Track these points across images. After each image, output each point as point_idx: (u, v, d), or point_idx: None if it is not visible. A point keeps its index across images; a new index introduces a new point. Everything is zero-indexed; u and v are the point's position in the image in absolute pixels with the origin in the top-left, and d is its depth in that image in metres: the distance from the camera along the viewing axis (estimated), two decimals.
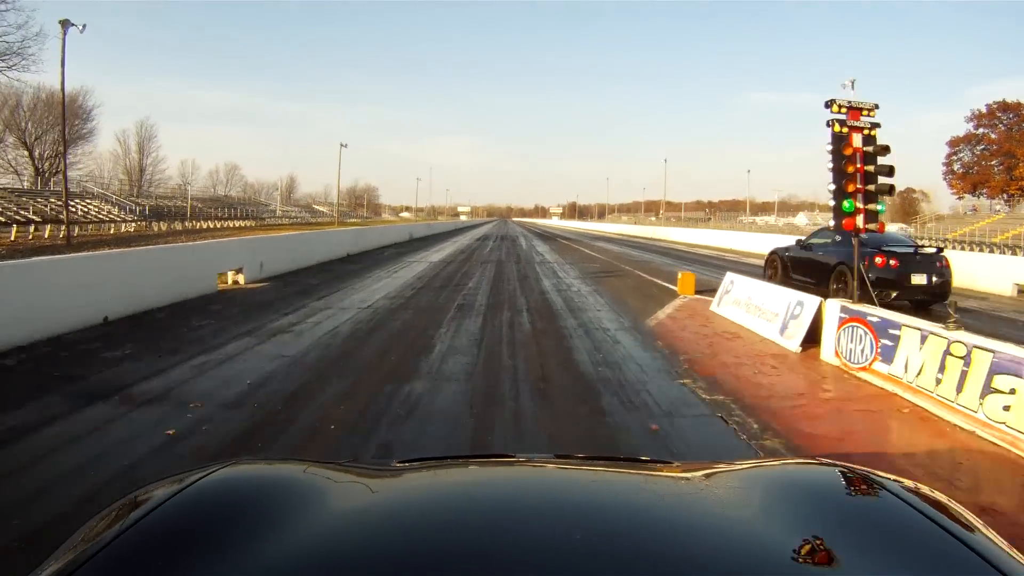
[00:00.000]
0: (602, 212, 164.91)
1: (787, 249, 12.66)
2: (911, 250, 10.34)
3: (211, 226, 55.41)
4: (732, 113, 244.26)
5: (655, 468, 1.31)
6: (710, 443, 4.19)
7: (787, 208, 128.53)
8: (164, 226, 48.78)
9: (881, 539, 0.87)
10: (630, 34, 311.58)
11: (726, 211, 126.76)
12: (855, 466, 1.18)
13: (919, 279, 9.77)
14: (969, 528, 0.92)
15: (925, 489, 1.05)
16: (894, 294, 9.63)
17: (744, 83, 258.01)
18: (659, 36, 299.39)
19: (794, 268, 12.01)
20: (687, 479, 1.17)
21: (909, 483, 1.08)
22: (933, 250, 10.74)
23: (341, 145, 67.83)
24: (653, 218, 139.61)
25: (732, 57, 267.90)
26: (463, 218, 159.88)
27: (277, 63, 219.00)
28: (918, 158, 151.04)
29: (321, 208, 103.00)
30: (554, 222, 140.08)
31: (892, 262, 9.79)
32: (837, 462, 1.23)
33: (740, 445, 4.09)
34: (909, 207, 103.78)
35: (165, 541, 0.84)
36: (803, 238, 12.77)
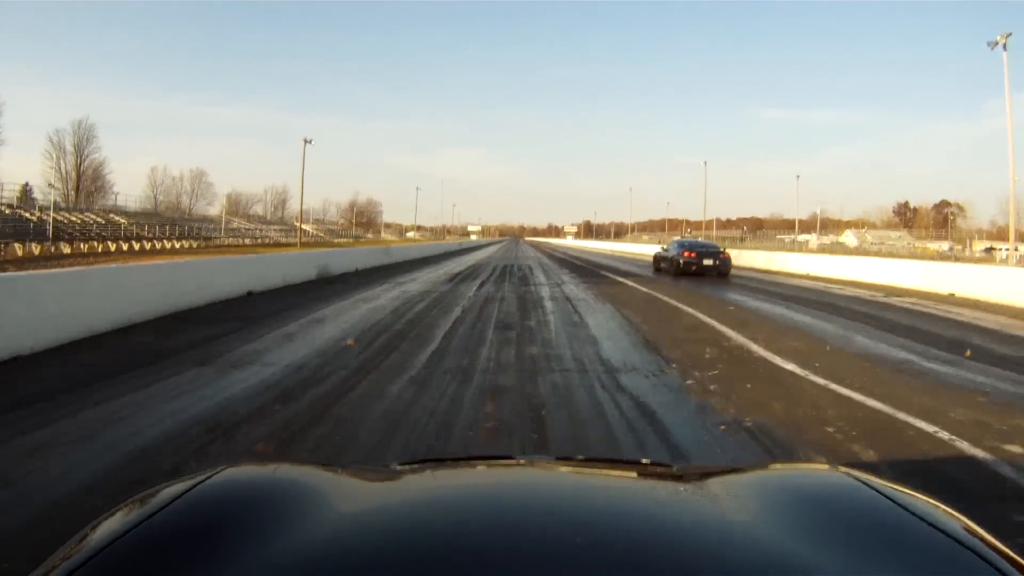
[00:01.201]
0: (619, 231, 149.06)
1: (658, 253, 22.29)
2: (704, 248, 19.54)
3: (101, 248, 38.99)
4: (746, 130, 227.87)
5: (656, 471, 1.31)
6: None
7: (815, 226, 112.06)
8: (20, 249, 32.31)
9: (886, 551, 0.81)
10: (645, 50, 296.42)
11: (751, 229, 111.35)
12: (860, 473, 1.08)
13: (708, 262, 18.56)
14: (987, 544, 0.84)
15: (937, 502, 0.97)
16: (693, 268, 18.40)
17: (756, 100, 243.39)
18: (674, 52, 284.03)
19: (659, 262, 21.23)
20: (689, 483, 1.15)
21: (920, 495, 0.99)
22: (720, 249, 19.86)
23: (305, 141, 51.49)
24: (677, 237, 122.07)
25: (743, 75, 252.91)
26: (473, 237, 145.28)
27: (279, 73, 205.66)
28: (938, 169, 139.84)
29: (307, 228, 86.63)
30: (569, 242, 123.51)
31: (693, 255, 18.80)
32: (840, 468, 1.13)
33: None
34: (943, 222, 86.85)
35: (164, 545, 0.81)
36: (666, 246, 21.68)
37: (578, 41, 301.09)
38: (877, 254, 49.48)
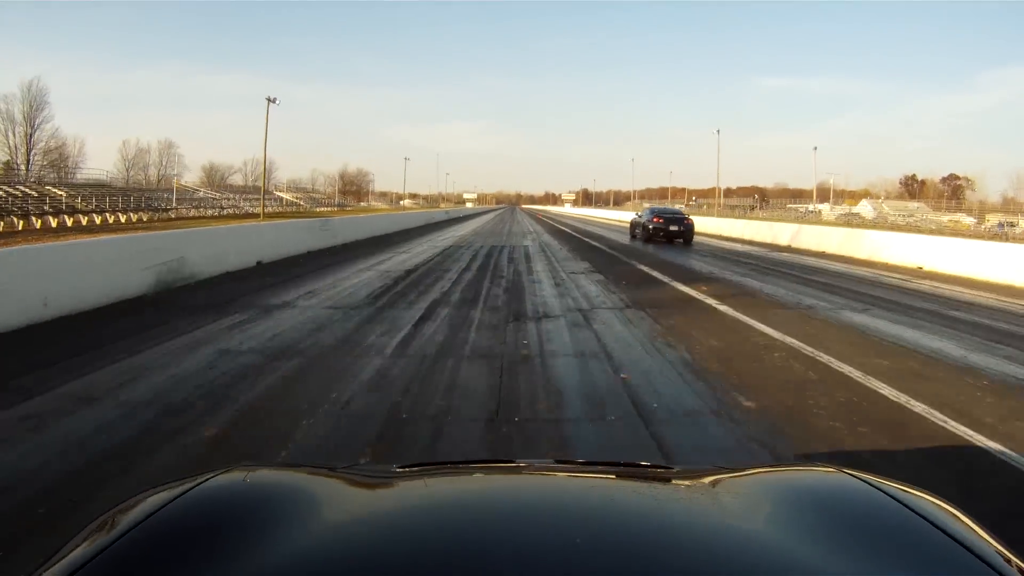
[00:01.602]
0: (618, 199, 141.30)
1: (634, 219, 23.94)
2: (672, 215, 20.95)
3: (22, 226, 31.59)
4: (745, 101, 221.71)
5: (656, 473, 1.26)
6: None
7: (820, 195, 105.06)
8: None
9: (891, 552, 0.79)
10: (640, 19, 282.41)
11: (744, 197, 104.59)
12: (863, 473, 1.03)
13: (674, 228, 19.90)
14: (988, 544, 0.82)
15: (942, 502, 0.94)
16: (661, 234, 19.92)
17: (751, 68, 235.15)
18: (667, 23, 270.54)
19: (634, 228, 22.95)
20: (690, 484, 1.11)
21: (926, 494, 0.95)
22: (684, 216, 21.14)
23: (268, 100, 43.68)
24: (681, 206, 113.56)
25: (739, 44, 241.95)
26: (469, 205, 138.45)
27: (276, 44, 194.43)
28: (933, 142, 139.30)
29: (286, 196, 78.78)
30: (568, 210, 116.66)
31: (660, 221, 20.22)
32: (844, 468, 1.08)
33: None
34: (952, 194, 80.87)
35: (161, 548, 0.79)
36: (640, 213, 23.68)
37: (577, 13, 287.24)
38: (920, 229, 42.46)
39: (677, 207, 27.94)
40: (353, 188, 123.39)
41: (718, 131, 57.10)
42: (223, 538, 0.78)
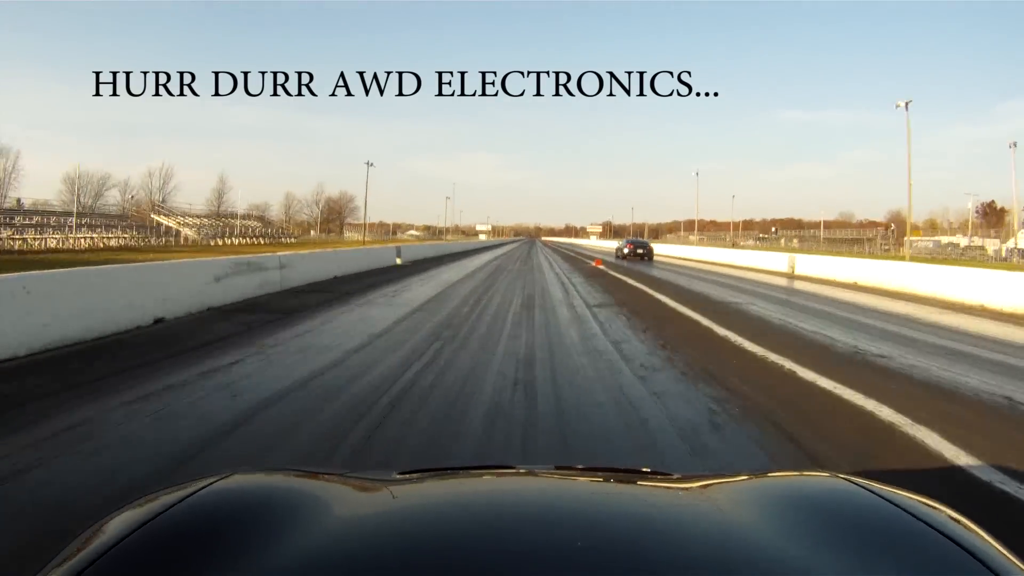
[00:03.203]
0: (650, 232, 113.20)
1: (618, 247, 32.44)
2: (638, 243, 30.79)
3: None
4: (764, 131, 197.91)
5: (656, 480, 1.23)
6: None
7: (899, 225, 75.30)
8: None
9: (895, 557, 0.76)
10: (656, 50, 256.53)
11: (788, 229, 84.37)
12: (861, 479, 0.99)
13: (640, 251, 28.57)
14: (990, 547, 0.79)
15: (944, 508, 0.91)
16: (633, 256, 27.95)
17: (773, 101, 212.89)
18: (697, 54, 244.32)
19: (618, 252, 30.49)
20: (689, 491, 1.08)
21: (926, 500, 0.92)
22: (647, 243, 31.91)
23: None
24: (753, 242, 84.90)
25: (760, 76, 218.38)
26: (482, 238, 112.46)
27: (285, 67, 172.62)
28: (957, 172, 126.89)
29: (165, 221, 50.38)
30: (595, 243, 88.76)
31: (631, 246, 29.43)
32: (840, 474, 1.06)
33: None
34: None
35: (162, 552, 0.76)
36: (621, 243, 32.90)
37: (595, 42, 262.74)
38: None
39: (644, 239, 37.34)
40: (335, 216, 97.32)
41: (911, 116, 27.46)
42: (224, 543, 0.75)
